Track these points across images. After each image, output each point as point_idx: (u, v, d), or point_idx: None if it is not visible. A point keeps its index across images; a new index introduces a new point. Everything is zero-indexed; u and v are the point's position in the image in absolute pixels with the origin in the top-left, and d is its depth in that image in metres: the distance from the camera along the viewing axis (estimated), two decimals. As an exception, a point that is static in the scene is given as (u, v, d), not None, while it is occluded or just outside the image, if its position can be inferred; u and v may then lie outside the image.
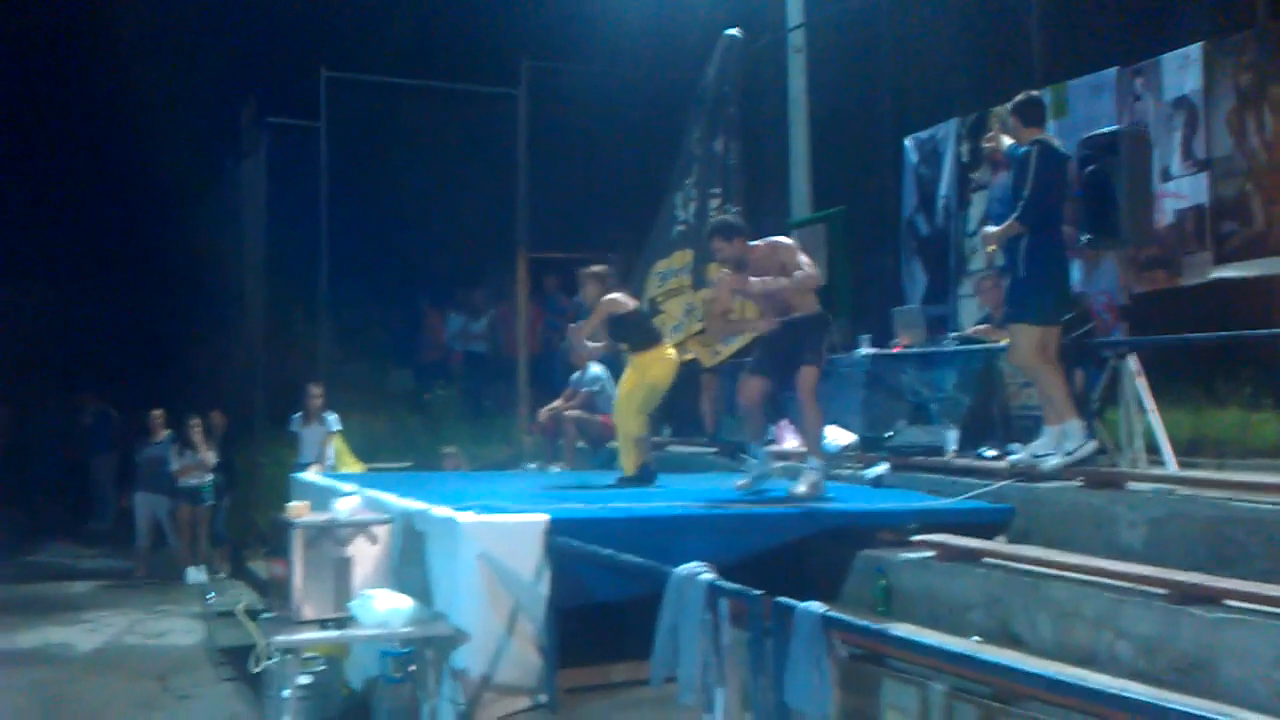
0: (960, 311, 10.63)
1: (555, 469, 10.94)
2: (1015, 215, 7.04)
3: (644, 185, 13.11)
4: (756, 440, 7.86)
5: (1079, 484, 6.68)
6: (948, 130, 11.04)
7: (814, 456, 7.37)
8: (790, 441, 9.42)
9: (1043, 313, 7.01)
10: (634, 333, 8.73)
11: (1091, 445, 6.91)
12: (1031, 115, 7.29)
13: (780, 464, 8.62)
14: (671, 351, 8.87)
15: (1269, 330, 8.30)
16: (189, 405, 14.02)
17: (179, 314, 19.99)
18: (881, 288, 11.72)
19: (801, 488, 7.17)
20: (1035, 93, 7.47)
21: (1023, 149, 7.16)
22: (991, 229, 7.40)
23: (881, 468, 8.01)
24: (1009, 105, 7.51)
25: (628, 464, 8.62)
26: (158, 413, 13.73)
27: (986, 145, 8.82)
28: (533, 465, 11.54)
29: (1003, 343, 8.31)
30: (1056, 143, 7.34)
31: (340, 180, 14.71)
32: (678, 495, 7.42)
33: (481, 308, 15.82)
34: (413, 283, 16.61)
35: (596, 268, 8.91)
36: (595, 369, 11.51)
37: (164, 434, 13.53)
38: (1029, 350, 7.02)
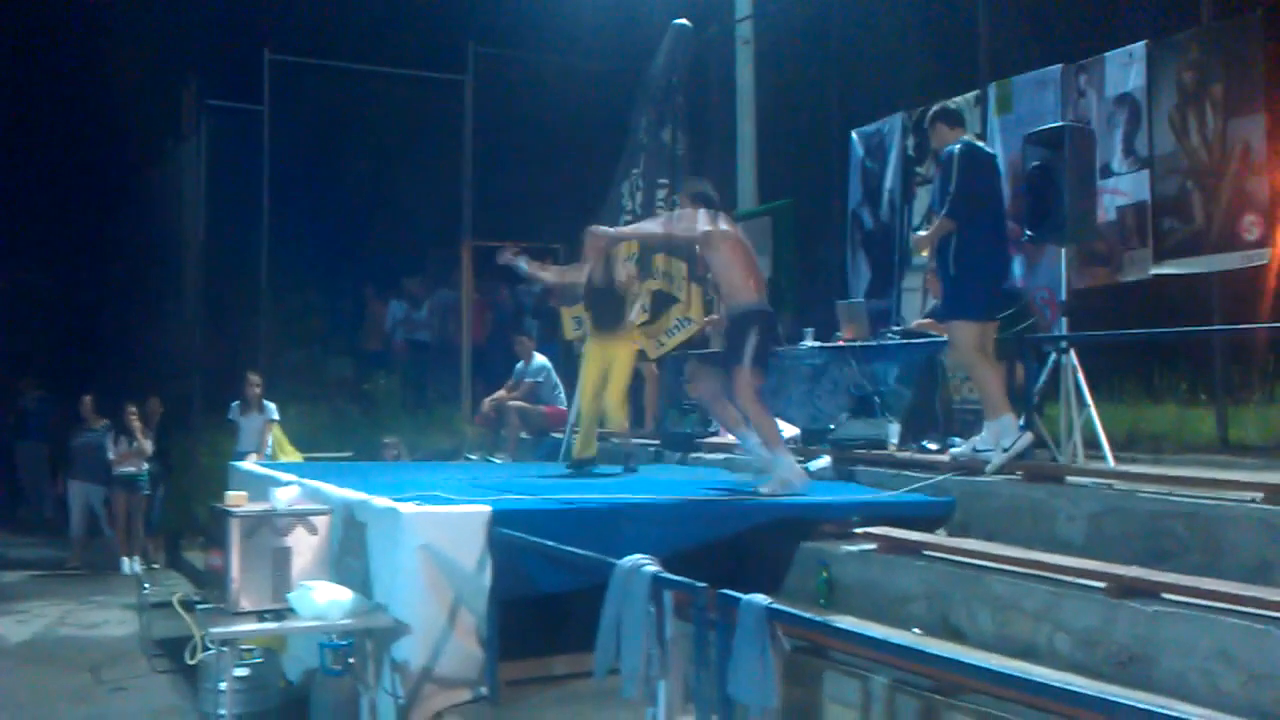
0: (904, 305, 10.70)
1: (498, 459, 10.89)
2: (944, 212, 7.08)
3: (591, 174, 13.05)
4: (738, 428, 7.75)
5: (1019, 477, 6.73)
6: (893, 124, 11.08)
7: (775, 454, 7.16)
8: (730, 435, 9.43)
9: (978, 309, 7.09)
10: (616, 311, 8.78)
11: (1027, 438, 6.96)
12: (952, 119, 7.41)
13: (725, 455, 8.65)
14: (636, 339, 9.09)
15: (1206, 328, 8.43)
16: (126, 392, 13.80)
17: (116, 298, 19.70)
18: (826, 281, 11.77)
19: (765, 489, 7.08)
20: (953, 103, 7.51)
21: (946, 150, 7.21)
22: (922, 233, 7.43)
23: (823, 461, 8.02)
24: (930, 114, 7.54)
25: (583, 447, 8.63)
26: (87, 399, 13.50)
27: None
28: (474, 455, 11.48)
29: (945, 336, 8.37)
30: (980, 143, 7.36)
31: (282, 165, 14.53)
32: (622, 486, 7.39)
33: (423, 296, 15.70)
34: (355, 270, 16.45)
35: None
36: (539, 359, 11.48)
37: (100, 421, 13.30)
38: (968, 347, 7.07)
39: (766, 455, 7.20)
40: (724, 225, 7.34)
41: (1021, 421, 7.04)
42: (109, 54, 19.45)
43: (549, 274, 9.52)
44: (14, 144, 20.57)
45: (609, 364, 8.67)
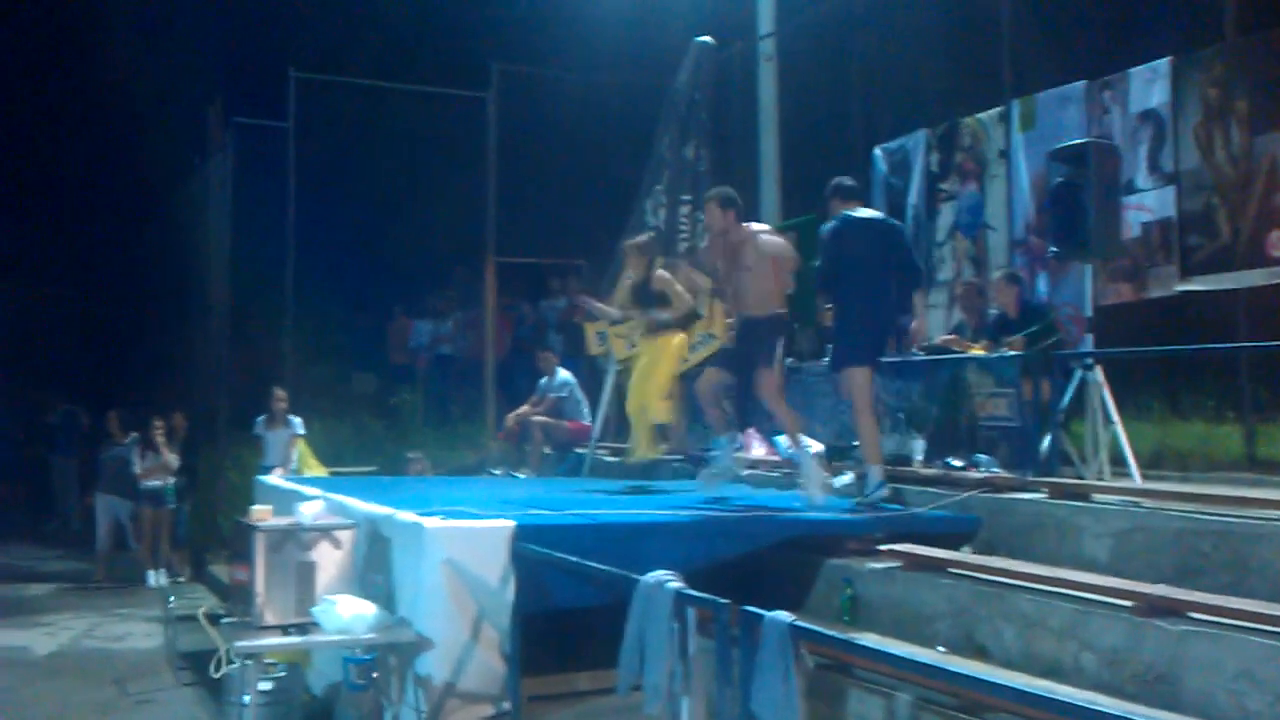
0: (929, 321, 10.65)
1: (521, 474, 10.90)
2: (817, 286, 7.87)
3: (614, 191, 13.08)
4: (720, 432, 7.87)
5: (1045, 495, 6.70)
6: (917, 140, 11.08)
7: (801, 450, 7.39)
8: (758, 450, 9.41)
9: (864, 355, 7.47)
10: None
11: (885, 492, 7.26)
12: (843, 194, 7.69)
13: (749, 471, 8.64)
14: (682, 339, 9.34)
15: (1233, 344, 8.38)
16: (152, 407, 13.89)
17: (143, 314, 19.83)
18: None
19: (815, 491, 7.17)
20: (846, 179, 7.84)
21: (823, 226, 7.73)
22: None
23: (848, 477, 8.00)
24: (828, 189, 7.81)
25: (645, 448, 8.99)
26: (114, 414, 13.59)
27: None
28: (498, 471, 11.50)
29: (971, 352, 8.35)
30: (861, 213, 7.66)
31: (308, 182, 14.60)
32: (645, 503, 7.39)
33: (448, 312, 15.75)
34: (380, 286, 16.52)
35: (640, 239, 9.63)
36: (563, 374, 11.49)
37: (127, 436, 13.39)
38: (861, 391, 7.38)
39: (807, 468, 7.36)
40: (755, 228, 7.71)
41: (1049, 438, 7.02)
42: (137, 73, 19.63)
43: (615, 310, 9.82)
44: (42, 161, 20.76)
45: (654, 357, 9.04)
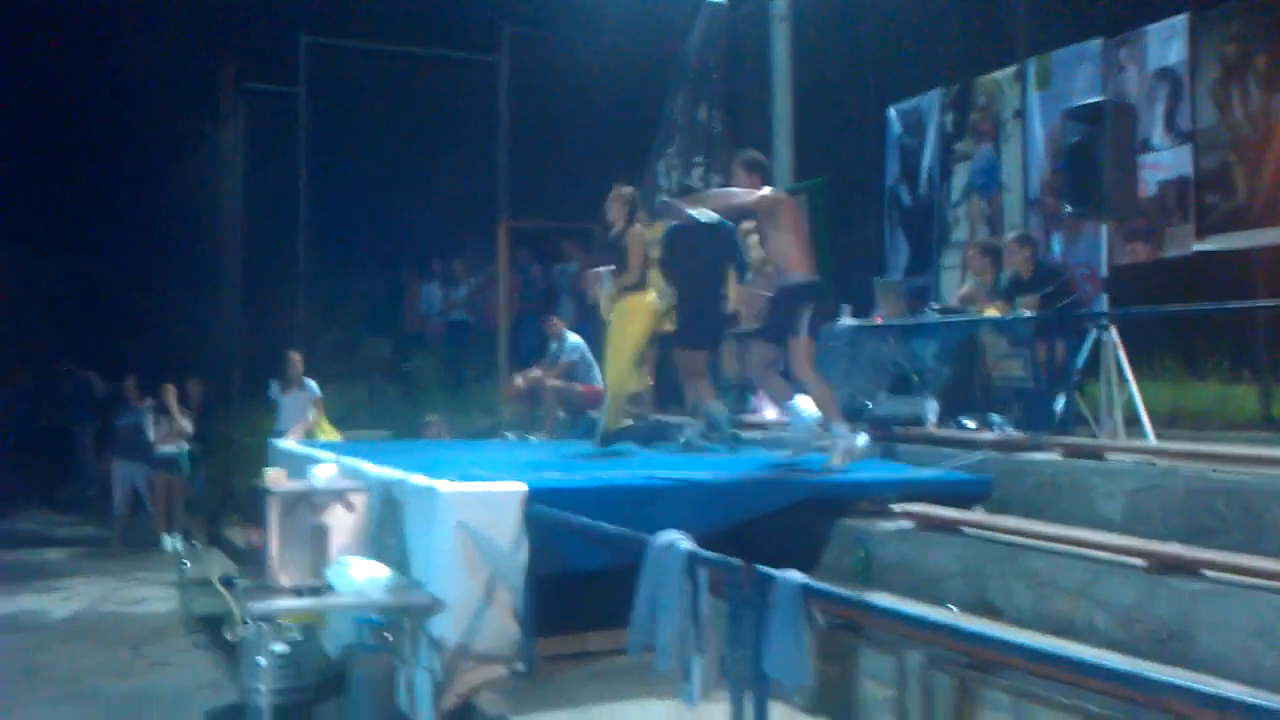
0: (942, 282, 10.62)
1: (534, 438, 10.90)
2: None
3: (626, 154, 13.01)
4: (786, 398, 7.74)
5: (1058, 455, 6.67)
6: (931, 100, 11.00)
7: (834, 423, 7.20)
8: (769, 412, 9.40)
9: (696, 340, 8.66)
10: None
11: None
12: (749, 166, 7.69)
13: (761, 434, 8.62)
14: (652, 298, 8.79)
15: (1249, 303, 8.33)
16: (167, 372, 13.93)
17: (156, 280, 19.84)
18: (864, 258, 11.69)
19: (835, 459, 7.08)
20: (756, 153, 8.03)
21: None
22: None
23: (861, 438, 7.97)
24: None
25: (612, 418, 8.62)
26: (130, 380, 13.66)
27: None
28: (512, 434, 11.51)
29: (986, 313, 8.31)
30: (697, 215, 8.12)
31: (319, 146, 14.57)
32: (657, 465, 7.39)
33: (461, 276, 15.73)
34: (392, 250, 16.48)
35: (625, 189, 8.80)
36: (572, 338, 11.46)
37: (142, 401, 13.45)
38: (690, 367, 8.61)
39: (819, 429, 7.31)
40: (783, 194, 7.60)
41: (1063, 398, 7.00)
42: (147, 38, 19.57)
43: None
44: (53, 128, 20.75)
45: (620, 322, 8.60)
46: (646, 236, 8.85)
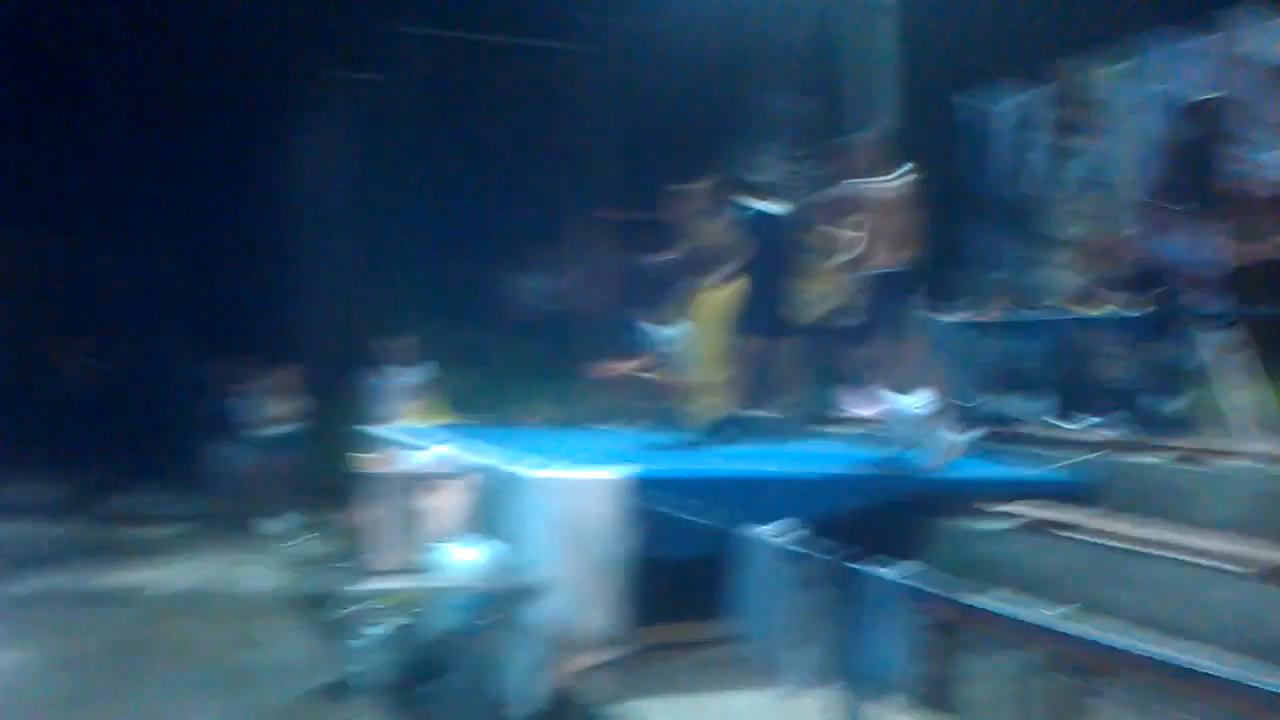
0: (1051, 280, 10.42)
1: (633, 428, 10.93)
2: None
3: (723, 144, 12.97)
4: (886, 397, 7.67)
5: (1169, 458, 6.54)
6: (1039, 95, 10.80)
7: (937, 421, 7.13)
8: (864, 409, 9.31)
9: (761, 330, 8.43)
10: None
11: None
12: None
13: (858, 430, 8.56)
14: (728, 294, 8.82)
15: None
16: (273, 356, 14.21)
17: (264, 266, 20.24)
18: (971, 255, 11.51)
19: (938, 457, 6.99)
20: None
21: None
22: None
23: (964, 436, 7.88)
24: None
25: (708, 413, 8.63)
26: (237, 361, 13.97)
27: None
28: (611, 424, 11.55)
29: (1094, 313, 8.17)
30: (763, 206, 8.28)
31: (418, 136, 14.72)
32: (762, 456, 7.37)
33: (560, 266, 15.81)
34: (491, 240, 16.63)
35: (709, 182, 9.08)
36: (667, 330, 11.46)
37: (249, 384, 13.75)
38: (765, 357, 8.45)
39: (921, 425, 7.17)
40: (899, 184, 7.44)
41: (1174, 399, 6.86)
42: (250, 29, 19.89)
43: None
44: (150, 117, 21.13)
45: (700, 318, 8.82)
46: (730, 230, 8.87)
